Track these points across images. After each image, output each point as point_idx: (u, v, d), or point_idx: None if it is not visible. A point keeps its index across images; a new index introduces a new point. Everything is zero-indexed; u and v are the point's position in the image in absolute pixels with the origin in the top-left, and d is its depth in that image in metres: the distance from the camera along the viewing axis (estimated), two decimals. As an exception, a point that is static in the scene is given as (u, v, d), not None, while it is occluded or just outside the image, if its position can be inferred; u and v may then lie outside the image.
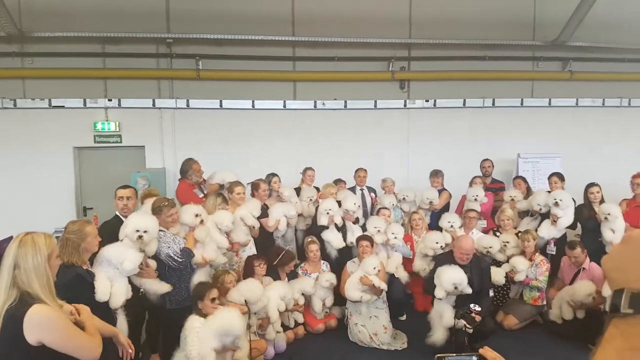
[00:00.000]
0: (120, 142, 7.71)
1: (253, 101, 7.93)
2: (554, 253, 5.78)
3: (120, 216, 4.25)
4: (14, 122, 7.45)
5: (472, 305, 4.42)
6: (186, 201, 5.02)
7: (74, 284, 3.06)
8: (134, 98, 7.66)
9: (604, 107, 8.53)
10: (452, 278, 4.66)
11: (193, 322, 3.78)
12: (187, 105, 7.83)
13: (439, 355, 1.58)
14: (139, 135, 7.79)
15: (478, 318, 4.39)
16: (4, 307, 2.12)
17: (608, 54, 8.36)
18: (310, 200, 6.16)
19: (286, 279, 5.41)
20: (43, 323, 2.11)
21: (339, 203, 5.82)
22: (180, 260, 4.12)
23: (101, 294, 3.20)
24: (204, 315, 3.88)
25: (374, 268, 5.15)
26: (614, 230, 5.39)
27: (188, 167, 5.82)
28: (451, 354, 1.58)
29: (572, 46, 8.14)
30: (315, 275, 5.58)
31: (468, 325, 4.33)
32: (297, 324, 5.39)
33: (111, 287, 3.35)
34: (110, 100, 7.59)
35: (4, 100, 7.38)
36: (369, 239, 5.43)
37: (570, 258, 5.35)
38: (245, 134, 7.94)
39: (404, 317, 5.82)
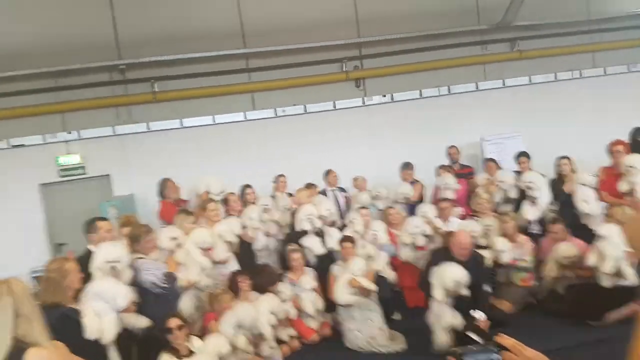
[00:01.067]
0: (85, 173, 7.62)
1: (213, 116, 7.91)
2: (539, 232, 5.89)
3: (93, 249, 4.18)
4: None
5: (473, 313, 4.28)
6: (172, 221, 5.12)
7: (61, 324, 3.00)
8: (94, 128, 7.57)
9: (557, 82, 8.82)
10: (453, 276, 4.49)
11: None
12: (148, 128, 7.77)
13: (458, 352, 1.55)
14: (103, 164, 7.69)
15: (485, 324, 4.35)
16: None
17: (554, 29, 8.66)
18: (285, 207, 6.19)
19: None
20: None
21: (313, 208, 5.86)
22: (166, 285, 4.09)
23: (91, 331, 3.15)
24: (177, 352, 3.87)
25: (360, 269, 5.18)
26: (586, 200, 5.57)
27: (163, 186, 5.83)
28: (470, 347, 1.56)
29: (518, 26, 8.41)
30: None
31: (480, 338, 4.14)
32: (290, 337, 5.31)
33: (100, 322, 3.30)
34: (69, 132, 7.50)
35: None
36: (351, 240, 5.47)
37: (551, 234, 5.46)
38: (210, 150, 7.91)
39: (397, 317, 5.77)
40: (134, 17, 7.56)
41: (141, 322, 3.92)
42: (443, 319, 4.60)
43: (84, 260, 4.03)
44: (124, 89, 7.68)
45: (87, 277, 3.67)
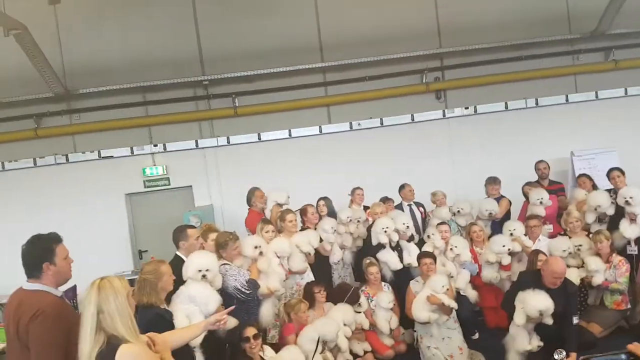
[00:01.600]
0: (169, 184, 7.95)
1: (289, 130, 7.99)
2: (636, 253, 5.40)
3: (181, 256, 4.28)
4: (67, 176, 7.77)
5: (556, 355, 3.84)
6: (254, 229, 5.25)
7: (154, 324, 3.05)
8: (178, 141, 7.90)
9: (655, 93, 8.10)
10: (538, 305, 4.27)
11: None
12: (228, 142, 7.98)
13: (583, 357, 1.46)
14: (186, 175, 7.98)
15: None
16: (93, 352, 2.16)
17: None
18: (359, 221, 6.08)
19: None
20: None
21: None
22: (248, 292, 4.13)
23: None
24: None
25: (442, 286, 4.95)
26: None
27: (251, 195, 5.99)
28: (598, 354, 1.45)
29: (613, 34, 7.85)
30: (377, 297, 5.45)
31: None
32: (365, 352, 5.20)
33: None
34: (155, 145, 7.85)
35: (57, 156, 7.73)
36: (432, 256, 5.27)
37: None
38: (285, 163, 7.97)
39: (476, 336, 5.52)
40: (216, 32, 7.88)
41: (231, 322, 3.91)
42: (518, 342, 4.46)
43: (174, 266, 4.15)
44: (207, 103, 7.98)
45: (176, 281, 3.76)
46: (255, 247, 4.57)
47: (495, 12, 7.99)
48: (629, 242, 5.46)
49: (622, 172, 5.84)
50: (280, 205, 5.96)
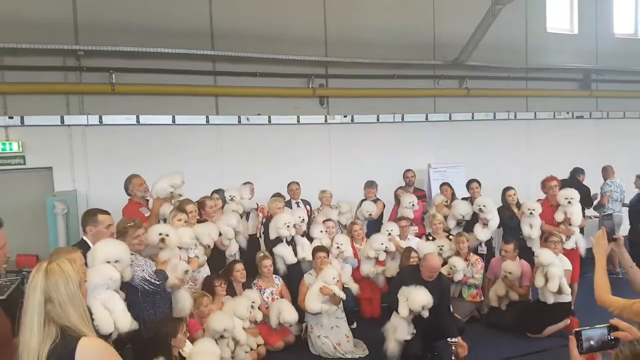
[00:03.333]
0: (24, 163, 6.88)
1: (173, 116, 7.60)
2: (485, 252, 6.39)
3: (87, 241, 3.82)
4: None
5: (450, 341, 4.49)
6: None
7: None
8: (39, 115, 6.90)
9: (495, 120, 9.66)
10: (421, 301, 4.79)
11: None
12: (100, 121, 7.26)
13: (576, 330, 1.74)
14: (46, 155, 7.03)
15: (463, 349, 4.53)
16: (44, 347, 1.87)
17: (495, 72, 9.52)
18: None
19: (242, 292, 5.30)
20: (98, 358, 1.92)
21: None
22: (158, 282, 3.84)
23: (104, 326, 2.87)
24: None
25: (333, 278, 5.27)
26: (532, 225, 6.16)
27: (128, 182, 5.43)
28: (586, 327, 1.75)
29: (467, 65, 9.11)
30: (269, 290, 5.55)
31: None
32: (258, 345, 5.25)
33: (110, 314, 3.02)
34: (11, 117, 6.76)
35: None
36: (326, 250, 5.56)
37: (502, 252, 5.98)
38: (166, 151, 7.55)
39: (354, 325, 5.96)
40: (98, 0, 7.13)
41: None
42: (399, 332, 4.95)
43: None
44: (78, 76, 7.13)
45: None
46: (159, 234, 4.29)
47: (377, 30, 8.66)
48: (480, 243, 6.48)
49: (479, 184, 6.87)
50: (172, 190, 5.58)
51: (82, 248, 3.55)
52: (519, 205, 6.51)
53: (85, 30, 7.08)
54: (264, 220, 6.42)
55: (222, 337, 4.53)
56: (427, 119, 9.26)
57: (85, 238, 3.86)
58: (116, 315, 3.06)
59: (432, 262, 5.14)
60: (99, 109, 7.25)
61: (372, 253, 6.17)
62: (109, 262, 3.43)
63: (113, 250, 3.53)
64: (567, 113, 10.27)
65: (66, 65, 7.04)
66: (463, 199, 7.14)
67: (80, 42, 7.01)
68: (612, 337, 1.71)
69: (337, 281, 5.40)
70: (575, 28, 10.57)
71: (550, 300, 5.52)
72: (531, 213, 6.19)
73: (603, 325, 1.74)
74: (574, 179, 7.79)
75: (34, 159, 6.96)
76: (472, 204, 6.58)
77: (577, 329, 1.74)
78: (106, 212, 3.96)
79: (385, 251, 6.26)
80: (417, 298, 4.82)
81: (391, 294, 5.22)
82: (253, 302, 5.15)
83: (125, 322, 3.07)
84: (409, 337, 4.98)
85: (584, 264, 6.34)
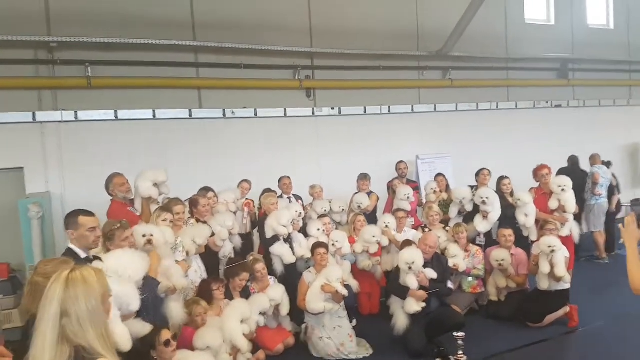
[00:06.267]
0: (-7, 163, 6.41)
1: (154, 111, 7.23)
2: (484, 244, 6.33)
3: (74, 249, 3.49)
4: None
5: (455, 334, 4.59)
6: None
7: None
8: (9, 112, 6.44)
9: (478, 111, 9.66)
10: (409, 257, 4.95)
11: None
12: (76, 117, 6.83)
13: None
14: (16, 155, 6.56)
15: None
16: None
17: (478, 63, 9.51)
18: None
19: (239, 295, 5.04)
20: None
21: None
22: (142, 296, 3.50)
23: (128, 342, 2.60)
24: None
25: (337, 279, 5.08)
26: (527, 214, 6.13)
27: (109, 182, 5.04)
28: None
29: (451, 56, 9.06)
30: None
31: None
32: (256, 348, 4.99)
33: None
34: (-22, 113, 6.27)
35: None
36: (325, 246, 5.36)
37: (502, 238, 5.92)
38: (146, 148, 7.18)
39: (354, 323, 5.75)
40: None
41: (145, 328, 3.33)
42: (407, 305, 5.03)
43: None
44: (51, 70, 6.68)
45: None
46: (144, 236, 4.00)
47: (361, 20, 8.51)
48: (479, 234, 6.42)
49: (489, 172, 6.82)
50: (155, 189, 5.26)
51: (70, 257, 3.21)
52: (513, 194, 6.48)
53: (58, 21, 6.65)
54: (247, 214, 6.20)
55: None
56: (412, 110, 9.17)
57: (71, 246, 3.50)
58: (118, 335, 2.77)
59: (428, 239, 5.32)
60: (74, 105, 6.82)
61: (359, 247, 6.00)
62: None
63: (123, 263, 3.25)
64: (547, 102, 10.39)
65: (38, 58, 6.63)
66: (470, 187, 7.04)
67: (53, 33, 6.59)
68: None
69: (340, 280, 5.21)
70: (552, 19, 10.69)
71: (552, 287, 5.49)
72: (517, 203, 6.18)
73: None
74: (575, 166, 7.92)
75: (3, 159, 6.49)
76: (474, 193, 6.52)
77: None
78: (89, 214, 3.58)
79: (378, 243, 6.10)
80: (405, 255, 5.00)
81: (393, 282, 5.23)
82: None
83: (126, 343, 2.80)
84: (419, 309, 4.97)
85: (578, 250, 6.38)
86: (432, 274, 5.07)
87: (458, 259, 5.88)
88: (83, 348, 1.66)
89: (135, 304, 3.02)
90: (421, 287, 5.02)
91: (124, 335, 2.78)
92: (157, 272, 3.91)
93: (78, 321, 1.66)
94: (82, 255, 3.48)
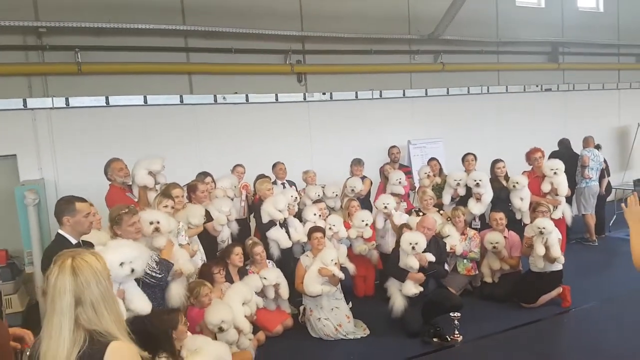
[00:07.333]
0: (-16, 151, 6.34)
1: (145, 96, 7.16)
2: (479, 227, 6.41)
3: (65, 235, 3.48)
4: None
5: (452, 314, 4.77)
6: None
7: None
8: (-1, 98, 6.35)
9: (469, 95, 9.69)
10: (409, 238, 5.05)
11: None
12: (67, 104, 6.75)
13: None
14: (9, 142, 6.48)
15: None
16: (72, 355, 1.65)
17: (469, 46, 9.53)
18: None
19: (238, 278, 5.10)
20: None
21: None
22: (160, 275, 3.58)
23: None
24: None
25: (332, 260, 5.14)
26: (522, 197, 6.22)
27: (107, 167, 5.06)
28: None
29: (442, 40, 9.06)
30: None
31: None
32: (256, 330, 5.08)
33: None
34: (-33, 101, 6.18)
35: None
36: (322, 230, 5.41)
37: (494, 221, 6.01)
38: (138, 133, 7.13)
39: (350, 305, 5.84)
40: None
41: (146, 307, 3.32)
42: (405, 287, 5.14)
43: (56, 250, 3.36)
44: (40, 55, 6.59)
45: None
46: (151, 223, 4.03)
47: (353, 3, 8.45)
48: (474, 218, 6.50)
49: (475, 157, 6.87)
50: (152, 178, 5.26)
51: (59, 245, 3.21)
52: (507, 177, 6.56)
53: (47, 5, 6.52)
54: (245, 197, 6.22)
55: (221, 329, 4.29)
56: (404, 94, 9.18)
57: (61, 232, 3.50)
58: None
59: (425, 222, 5.41)
60: (65, 91, 6.73)
61: (354, 233, 6.05)
62: (122, 263, 3.16)
63: (126, 254, 3.26)
64: (537, 86, 10.45)
65: (27, 44, 6.51)
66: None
67: (42, 18, 6.45)
68: None
69: (335, 262, 5.28)
70: (542, 2, 10.70)
71: (546, 268, 5.60)
72: (514, 186, 6.26)
73: None
74: (567, 149, 8.01)
75: (-5, 146, 6.41)
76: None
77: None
78: (83, 200, 3.59)
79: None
80: (405, 237, 5.10)
81: (391, 265, 5.32)
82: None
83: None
84: (417, 292, 5.08)
85: (570, 232, 6.49)
86: (430, 257, 5.14)
87: (453, 238, 5.98)
88: (97, 332, 1.69)
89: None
90: (419, 269, 5.10)
91: (142, 298, 2.80)
92: (171, 254, 3.93)
93: (92, 306, 1.69)
94: (73, 241, 3.50)
